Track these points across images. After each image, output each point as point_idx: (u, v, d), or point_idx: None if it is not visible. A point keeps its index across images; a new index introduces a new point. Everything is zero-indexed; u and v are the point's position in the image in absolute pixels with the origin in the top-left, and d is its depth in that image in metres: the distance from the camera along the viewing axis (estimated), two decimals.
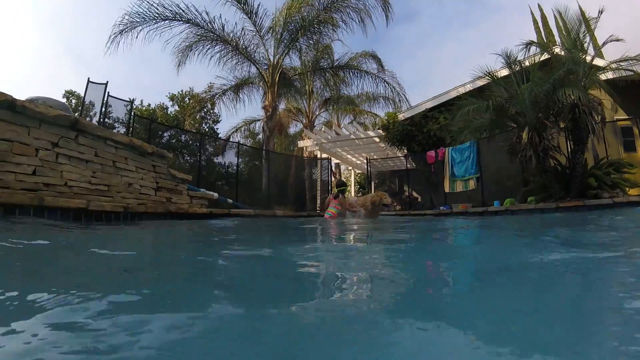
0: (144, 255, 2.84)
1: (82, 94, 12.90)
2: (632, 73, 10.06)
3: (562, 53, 10.99)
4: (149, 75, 70.33)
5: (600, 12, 9.95)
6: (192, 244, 4.26)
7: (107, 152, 5.99)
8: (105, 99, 11.69)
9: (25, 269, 1.97)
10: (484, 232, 5.24)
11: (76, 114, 6.36)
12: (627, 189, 9.79)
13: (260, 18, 16.36)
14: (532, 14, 28.48)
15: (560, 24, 24.55)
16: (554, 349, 0.95)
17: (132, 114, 13.38)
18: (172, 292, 1.55)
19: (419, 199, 18.33)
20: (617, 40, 9.84)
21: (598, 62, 11.00)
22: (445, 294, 1.61)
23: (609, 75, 10.54)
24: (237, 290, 1.67)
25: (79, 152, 5.43)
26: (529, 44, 11.38)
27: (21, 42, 46.64)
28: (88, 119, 11.60)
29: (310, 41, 17.16)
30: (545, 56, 11.53)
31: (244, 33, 16.43)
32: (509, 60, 11.10)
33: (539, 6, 28.00)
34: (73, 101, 23.08)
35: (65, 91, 24.06)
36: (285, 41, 16.65)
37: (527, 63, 11.08)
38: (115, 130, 8.81)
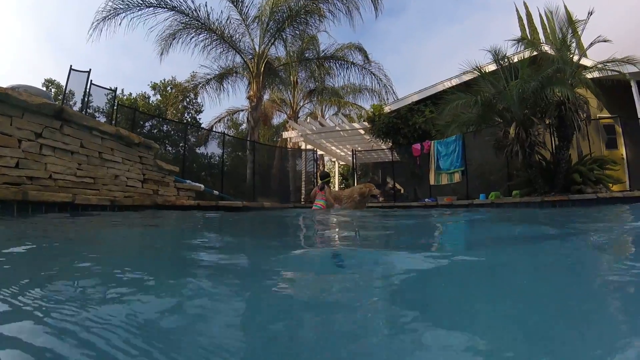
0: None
1: (63, 83, 12.54)
2: (618, 73, 10.23)
3: (551, 51, 11.09)
4: (130, 64, 68.92)
5: (590, 13, 10.04)
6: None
7: (93, 142, 5.79)
8: (88, 87, 11.34)
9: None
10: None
11: (58, 103, 6.12)
12: (610, 185, 10.00)
13: (247, 7, 16.19)
14: (517, 11, 28.72)
15: (546, 22, 24.83)
16: None
17: (116, 102, 13.03)
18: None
19: (402, 191, 18.41)
20: (605, 41, 9.99)
21: (585, 61, 11.15)
22: None
23: (595, 74, 10.69)
24: None
25: (63, 142, 5.23)
26: (519, 40, 11.45)
27: (1, 29, 45.09)
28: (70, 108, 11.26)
29: (297, 31, 16.96)
30: (533, 53, 11.63)
31: (230, 22, 16.20)
32: (498, 57, 11.15)
33: (525, 4, 28.26)
34: (53, 90, 22.44)
35: (45, 79, 23.45)
36: (271, 31, 16.45)
37: (515, 59, 11.16)
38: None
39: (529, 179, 10.37)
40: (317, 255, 2.48)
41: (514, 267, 1.95)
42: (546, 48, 11.78)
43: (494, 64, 11.53)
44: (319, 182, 10.67)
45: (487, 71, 11.48)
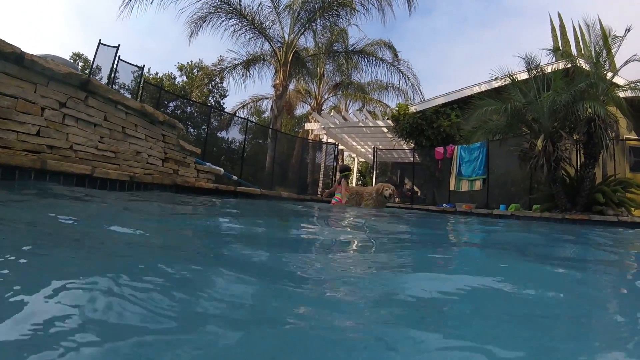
0: None
1: (91, 58, 12.59)
2: None
3: (585, 65, 10.78)
4: (157, 44, 69.54)
5: (628, 30, 9.72)
6: None
7: (116, 117, 5.74)
8: (116, 63, 11.34)
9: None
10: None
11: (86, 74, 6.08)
12: (632, 209, 9.71)
13: None
14: (551, 21, 28.02)
15: (579, 35, 24.22)
16: None
17: (142, 80, 13.04)
18: None
19: (419, 194, 18.23)
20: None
21: (617, 79, 10.82)
22: None
23: (628, 93, 10.36)
24: None
25: (87, 114, 5.17)
26: (554, 50, 11.16)
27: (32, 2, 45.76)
28: None
29: (327, 23, 16.86)
30: (567, 65, 11.33)
31: (261, 8, 16.15)
32: (530, 65, 10.87)
33: (559, 14, 27.55)
34: (80, 64, 22.68)
35: (73, 53, 23.74)
36: (302, 20, 16.34)
37: (548, 70, 10.87)
38: None
39: (551, 193, 10.14)
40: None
41: None
42: (581, 62, 11.43)
43: (526, 73, 11.27)
44: (338, 175, 10.62)
45: (518, 79, 11.22)
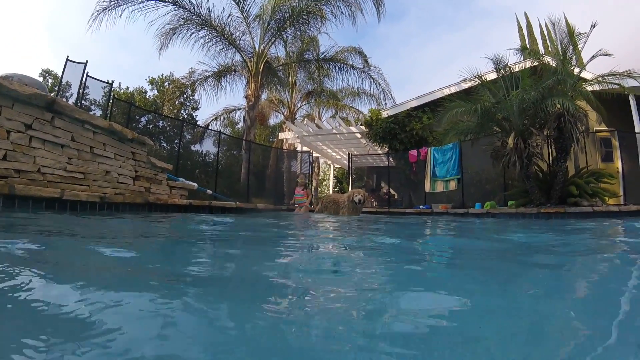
0: None
1: (60, 74, 12.36)
2: (618, 87, 10.25)
3: (552, 62, 11.09)
4: (127, 58, 68.69)
5: (593, 26, 10.05)
6: None
7: (84, 136, 5.63)
8: (84, 79, 11.17)
9: None
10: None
11: (52, 95, 5.94)
12: (606, 198, 9.99)
13: (249, 5, 16.06)
14: (517, 21, 28.74)
15: (545, 33, 24.88)
16: None
17: (112, 96, 12.85)
18: None
19: (396, 197, 18.38)
20: (607, 54, 10.02)
21: (585, 74, 11.16)
22: None
23: (595, 87, 10.69)
24: None
25: (54, 135, 5.06)
26: (521, 50, 11.45)
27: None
28: (65, 100, 11.10)
29: (298, 32, 16.85)
30: (534, 63, 11.63)
31: (231, 19, 16.07)
32: (498, 65, 11.12)
33: (525, 14, 28.31)
34: (50, 80, 22.20)
35: (42, 70, 23.17)
36: (272, 30, 16.33)
37: (516, 69, 11.15)
38: (91, 113, 8.35)
39: (525, 189, 10.36)
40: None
41: None
42: (548, 59, 11.76)
43: (495, 73, 11.54)
44: (303, 179, 11.24)
45: (487, 79, 11.47)
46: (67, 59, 11.10)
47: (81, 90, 11.44)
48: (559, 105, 9.12)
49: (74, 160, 5.43)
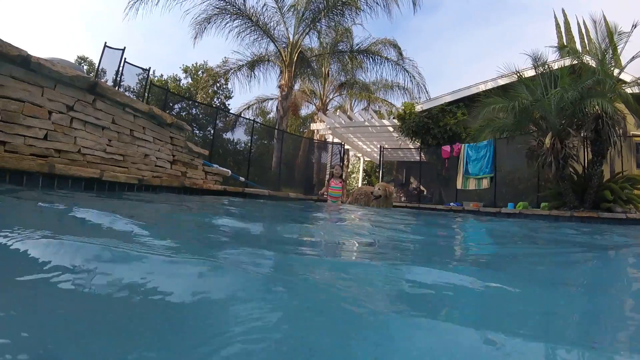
0: None
1: (96, 60, 12.62)
2: None
3: (592, 62, 10.69)
4: (161, 47, 69.77)
5: (634, 26, 9.62)
6: None
7: (125, 119, 5.72)
8: (121, 65, 11.35)
9: None
10: None
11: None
12: None
13: None
14: (555, 18, 27.90)
15: (584, 31, 24.08)
16: None
17: (148, 82, 13.03)
18: None
19: (425, 193, 18.16)
20: None
21: (624, 76, 10.73)
22: None
23: (635, 90, 10.26)
24: None
25: (95, 117, 5.14)
26: (560, 48, 11.07)
27: (36, 4, 45.95)
28: None
29: (332, 22, 16.76)
30: (574, 62, 11.23)
31: (266, 9, 16.12)
32: (537, 62, 10.78)
33: (563, 11, 27.46)
34: (85, 67, 22.76)
35: (78, 56, 23.83)
36: (306, 20, 16.28)
37: (555, 67, 10.78)
38: None
39: (559, 191, 10.07)
40: None
41: None
42: (587, 58, 11.33)
43: (532, 70, 11.18)
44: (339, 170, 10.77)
45: (524, 76, 11.14)
46: (105, 45, 11.29)
47: (118, 77, 11.63)
48: (597, 107, 8.79)
49: (114, 142, 5.51)
